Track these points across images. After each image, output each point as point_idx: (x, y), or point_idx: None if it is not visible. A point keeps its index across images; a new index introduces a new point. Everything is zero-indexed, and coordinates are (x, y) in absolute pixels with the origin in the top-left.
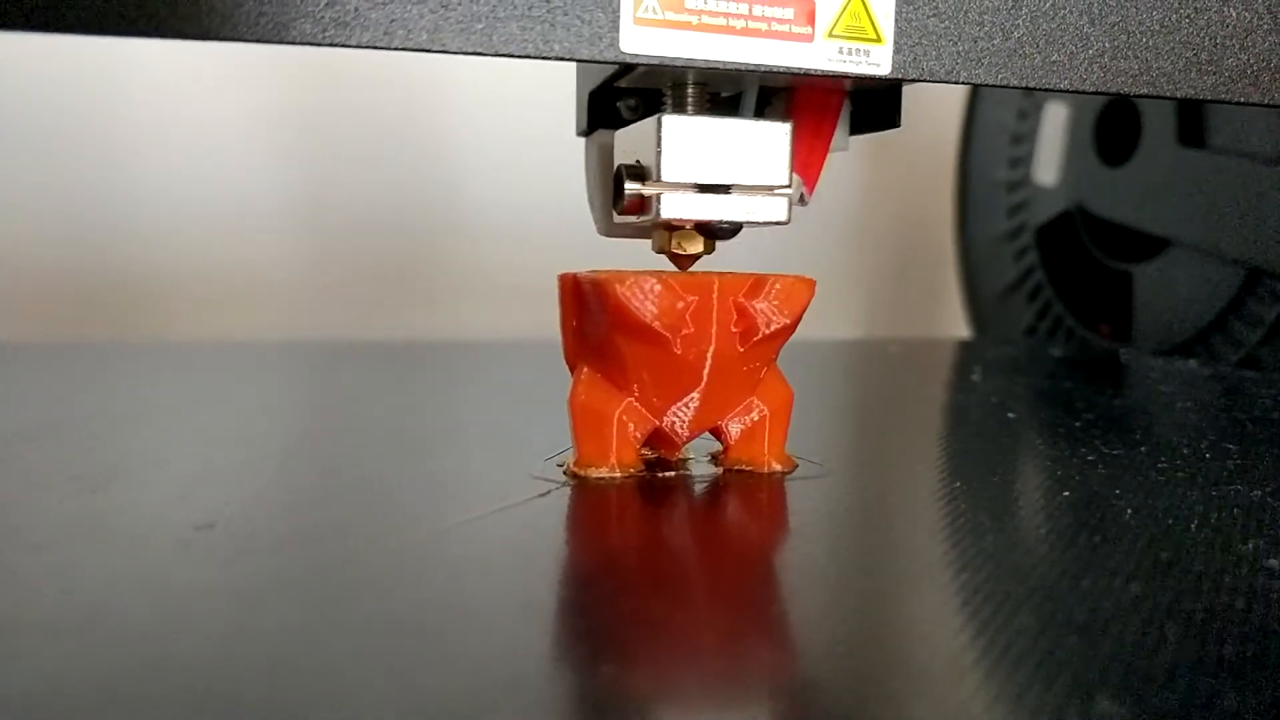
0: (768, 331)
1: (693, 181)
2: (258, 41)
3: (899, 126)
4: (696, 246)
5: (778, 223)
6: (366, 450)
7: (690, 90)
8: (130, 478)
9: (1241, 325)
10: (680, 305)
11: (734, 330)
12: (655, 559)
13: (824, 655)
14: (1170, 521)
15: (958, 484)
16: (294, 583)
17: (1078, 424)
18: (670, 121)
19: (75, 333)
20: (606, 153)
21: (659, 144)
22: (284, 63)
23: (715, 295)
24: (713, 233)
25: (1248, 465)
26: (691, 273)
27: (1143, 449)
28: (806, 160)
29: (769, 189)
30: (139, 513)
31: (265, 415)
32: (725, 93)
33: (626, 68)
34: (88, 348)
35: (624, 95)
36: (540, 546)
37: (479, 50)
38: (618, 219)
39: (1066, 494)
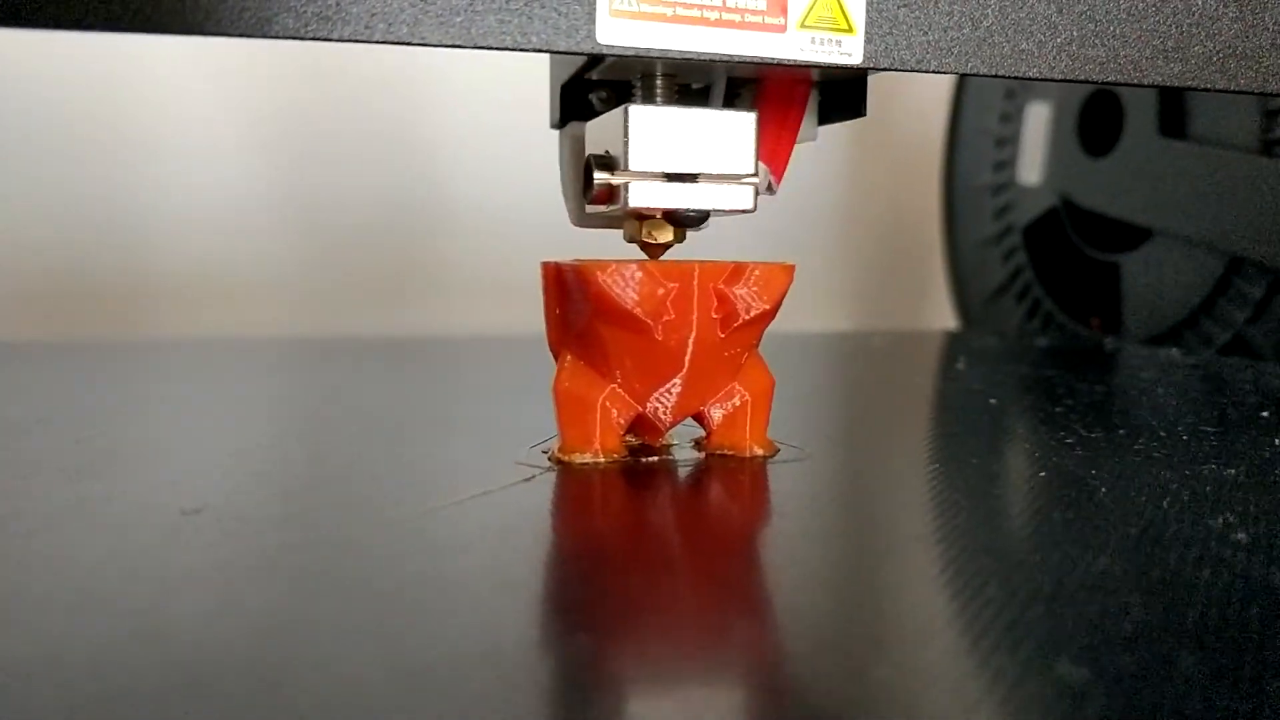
0: (747, 317)
1: (660, 171)
2: (241, 36)
3: (864, 115)
4: (666, 235)
5: (744, 211)
6: (354, 440)
7: (659, 81)
8: (120, 468)
9: (1229, 306)
10: (661, 292)
11: (714, 316)
12: (636, 540)
13: (797, 628)
14: (1143, 499)
15: (935, 466)
16: (280, 562)
17: (1057, 409)
18: (637, 112)
19: (68, 331)
20: (578, 144)
21: (626, 134)
22: (276, 61)
23: (695, 282)
24: (680, 220)
25: (1224, 447)
26: (672, 260)
27: (1121, 432)
28: (773, 150)
29: (736, 178)
30: (128, 499)
31: (255, 409)
32: (696, 84)
33: (595, 60)
34: (80, 346)
35: (595, 87)
36: (522, 528)
37: (458, 43)
38: (589, 209)
39: (1042, 474)
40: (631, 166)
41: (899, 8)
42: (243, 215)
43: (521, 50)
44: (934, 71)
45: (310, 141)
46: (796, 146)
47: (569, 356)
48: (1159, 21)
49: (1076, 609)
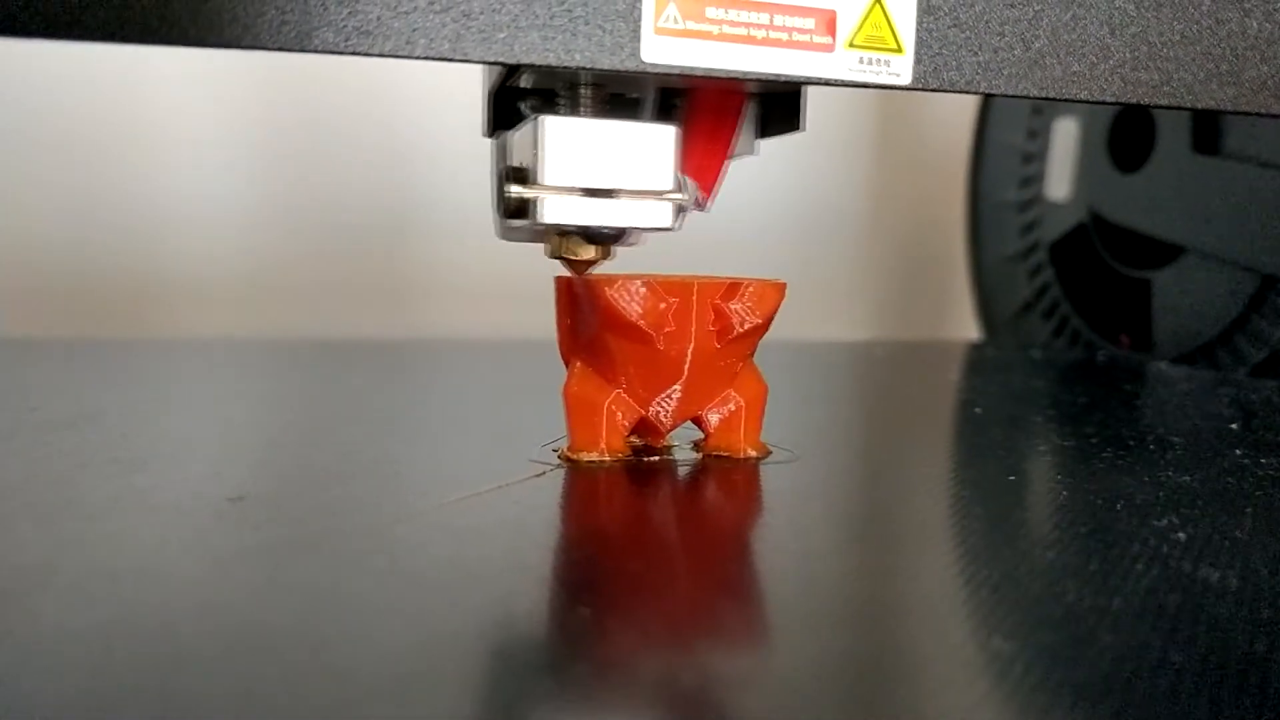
0: (741, 330)
1: (576, 185)
2: (280, 50)
3: (802, 130)
4: (588, 252)
5: (663, 229)
6: (375, 438)
7: (584, 91)
8: (164, 460)
9: (1264, 323)
10: (663, 306)
11: (711, 329)
12: (637, 530)
13: (775, 602)
14: (1099, 501)
15: (913, 470)
16: (319, 545)
17: (1039, 418)
18: (551, 123)
19: (81, 330)
20: (502, 155)
21: (539, 146)
22: (278, 67)
23: (695, 297)
24: (595, 238)
25: (1185, 457)
26: (674, 277)
27: (1093, 440)
28: (703, 165)
29: (656, 194)
30: (176, 488)
31: (278, 407)
32: (633, 94)
33: (513, 68)
34: (103, 344)
35: (526, 96)
36: (534, 518)
37: (501, 59)
38: (510, 223)
39: (1011, 478)
40: (546, 180)
41: (950, 28)
42: (253, 219)
43: (566, 67)
44: (984, 93)
45: (316, 145)
46: (732, 161)
47: (578, 363)
48: (1212, 45)
49: (1017, 594)
